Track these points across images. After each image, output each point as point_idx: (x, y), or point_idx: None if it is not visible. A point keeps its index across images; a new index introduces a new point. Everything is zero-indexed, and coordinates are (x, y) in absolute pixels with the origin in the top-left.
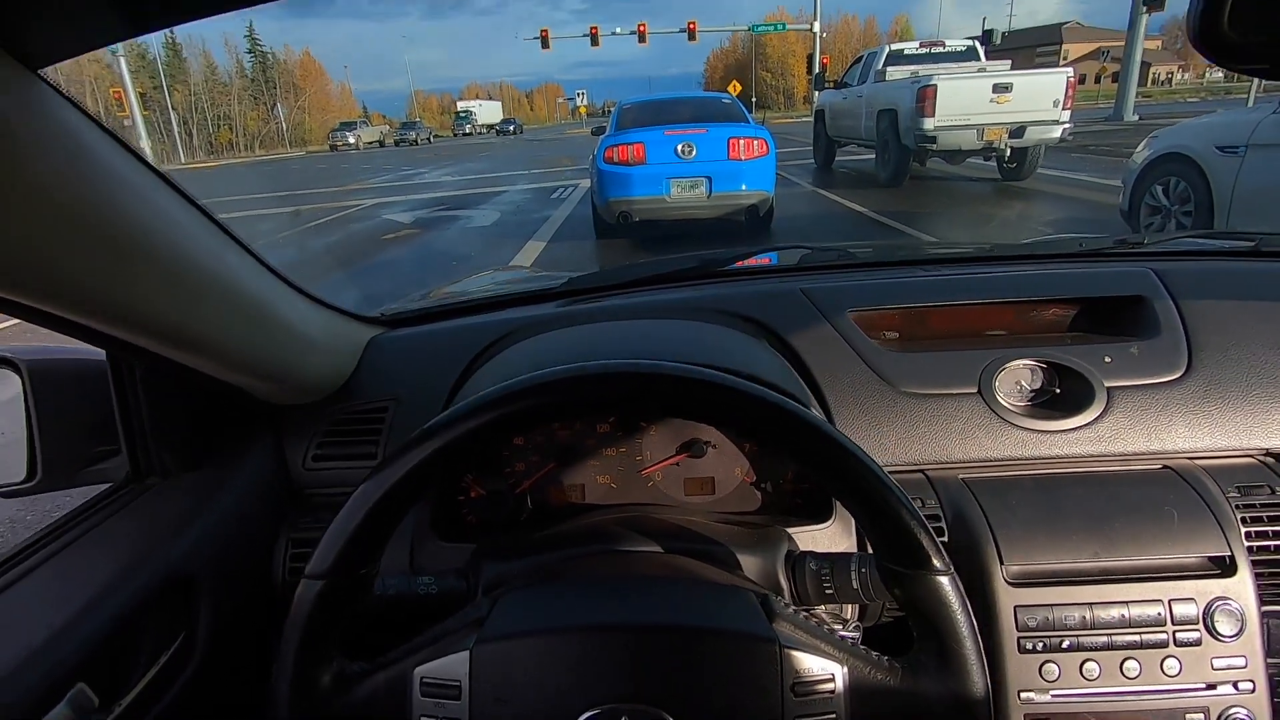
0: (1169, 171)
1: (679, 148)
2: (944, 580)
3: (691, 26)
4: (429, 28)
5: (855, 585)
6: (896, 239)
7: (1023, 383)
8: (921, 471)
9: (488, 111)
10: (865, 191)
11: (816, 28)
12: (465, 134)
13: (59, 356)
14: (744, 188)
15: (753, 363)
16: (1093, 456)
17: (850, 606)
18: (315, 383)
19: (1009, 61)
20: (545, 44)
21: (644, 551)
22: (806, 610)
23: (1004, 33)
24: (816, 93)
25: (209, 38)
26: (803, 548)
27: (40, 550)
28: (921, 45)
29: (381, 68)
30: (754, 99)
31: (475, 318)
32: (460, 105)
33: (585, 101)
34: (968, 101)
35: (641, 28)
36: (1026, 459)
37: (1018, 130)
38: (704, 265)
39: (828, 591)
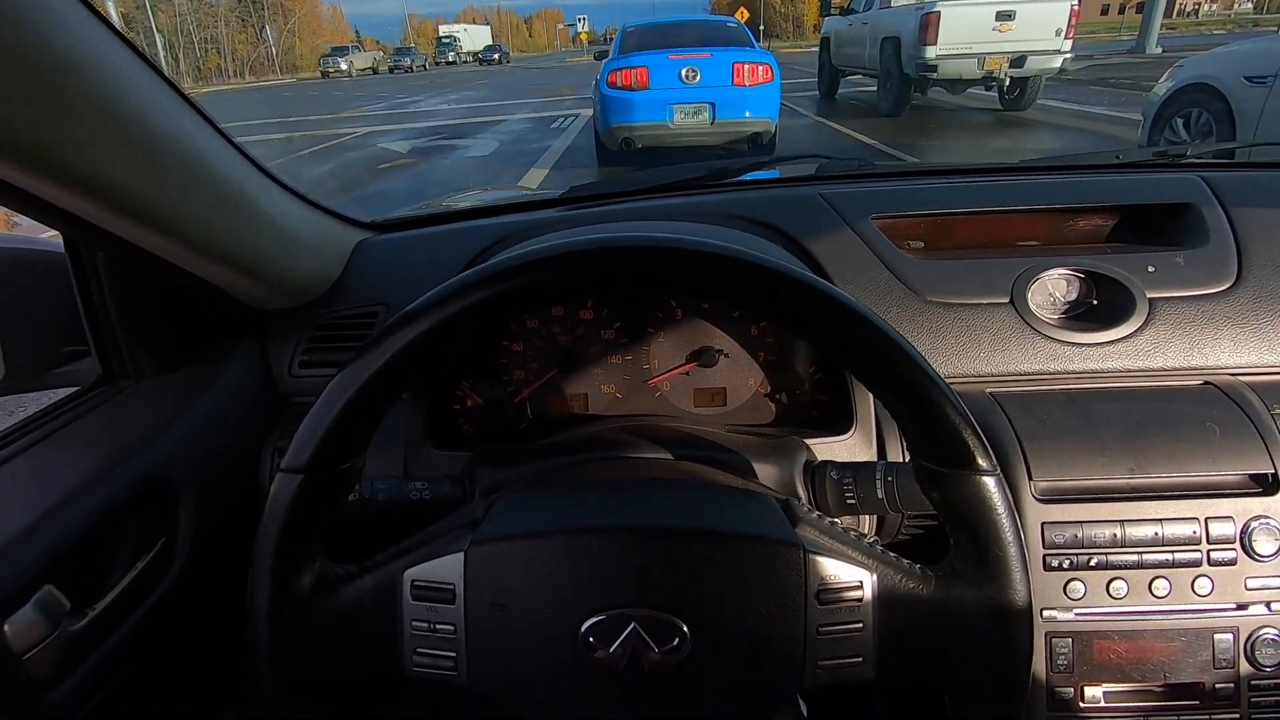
0: (1192, 103)
1: (683, 72)
2: (989, 481)
3: None
4: None
5: (880, 495)
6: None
7: (1057, 294)
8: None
9: (474, 37)
10: (867, 120)
11: None
12: (449, 62)
13: (16, 245)
14: (748, 115)
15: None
16: (1131, 371)
17: (867, 520)
18: (299, 284)
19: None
20: None
21: (653, 458)
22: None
23: None
24: (824, 19)
25: None
26: (821, 459)
27: (1, 450)
28: None
29: None
30: (762, 27)
31: (472, 222)
32: (443, 30)
33: (587, 28)
34: (970, 29)
35: None
36: (1060, 373)
37: (1018, 60)
38: (714, 173)
39: (849, 501)
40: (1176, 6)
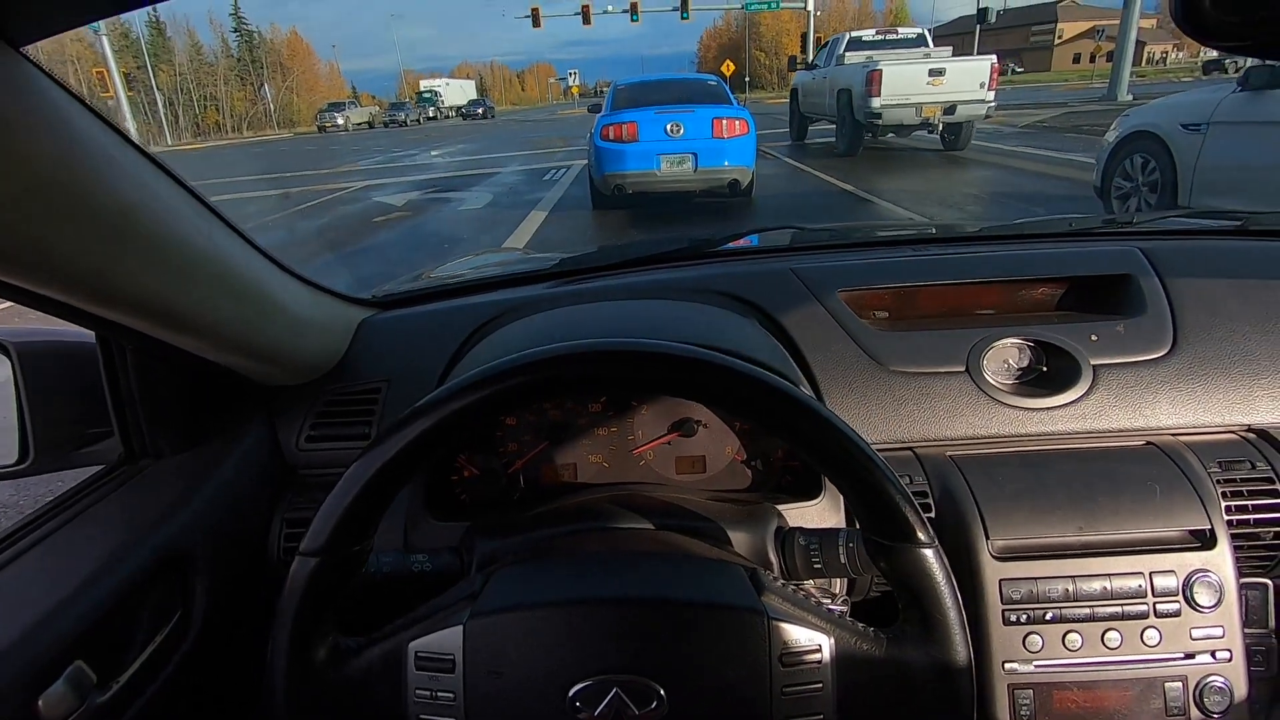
0: (1138, 149)
1: (668, 126)
2: (928, 553)
3: (685, 1)
4: (418, 5)
5: (843, 560)
6: (862, 209)
7: (1010, 361)
8: (910, 449)
9: (458, 91)
10: (828, 161)
11: (810, 5)
12: (429, 118)
13: (49, 338)
14: (726, 164)
15: (742, 341)
16: (1079, 433)
17: (839, 581)
18: (307, 363)
19: (950, 49)
20: (536, 22)
21: (635, 528)
22: (796, 585)
23: (999, 11)
24: (792, 74)
25: (193, 15)
26: (792, 524)
27: (34, 531)
28: (878, 33)
29: (369, 46)
30: (748, 79)
31: (467, 299)
32: (423, 85)
33: (578, 81)
34: (908, 83)
35: (634, 4)
36: (1014, 436)
37: (950, 108)
38: (696, 246)
39: (816, 566)
40: (1145, 54)
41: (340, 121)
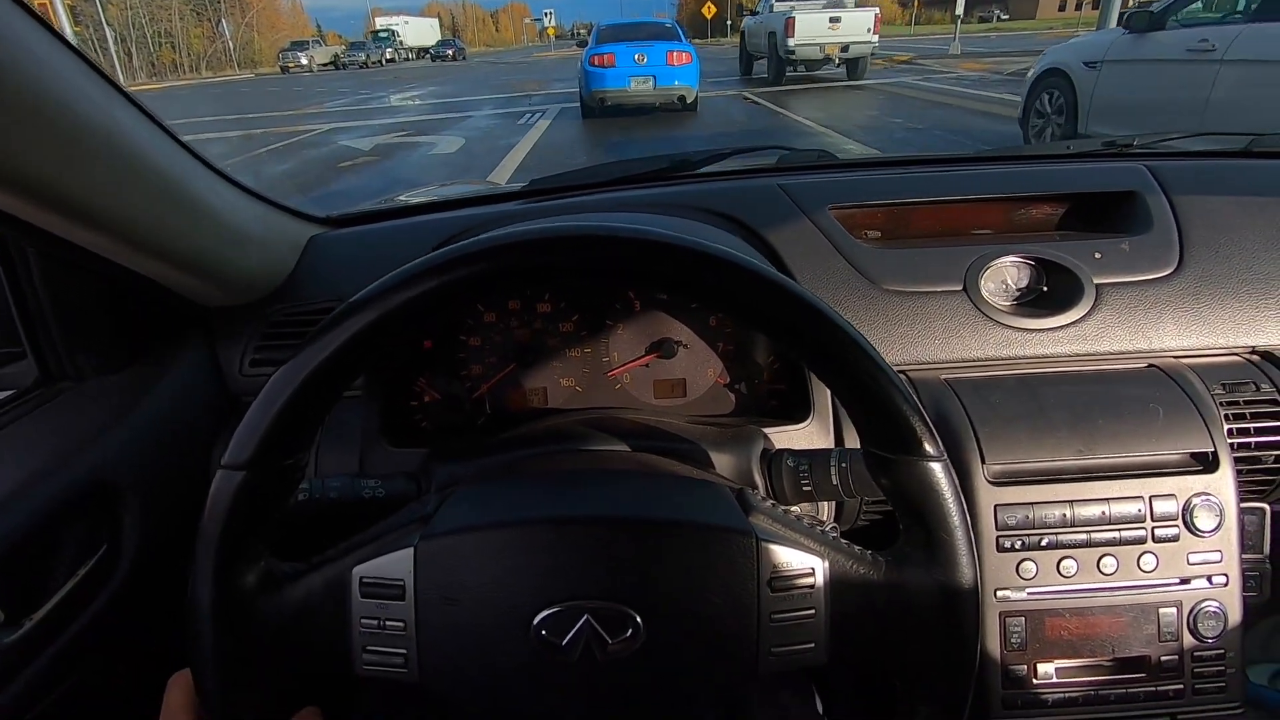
0: (1050, 84)
1: (635, 56)
2: (936, 466)
3: None
4: None
5: (835, 481)
6: (775, 119)
7: (1009, 280)
8: (903, 372)
9: (418, 31)
10: (763, 89)
11: None
12: (388, 60)
13: None
14: (676, 83)
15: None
16: (1079, 355)
17: (826, 507)
18: (248, 280)
19: (852, 2)
20: None
21: (609, 450)
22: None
23: None
24: (742, 18)
25: None
26: (779, 447)
27: None
28: None
29: None
30: (729, 21)
31: (430, 215)
32: (379, 22)
33: (554, 22)
34: (814, 28)
35: None
36: (1012, 358)
37: (845, 47)
38: (675, 165)
39: (805, 489)
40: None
41: (304, 61)
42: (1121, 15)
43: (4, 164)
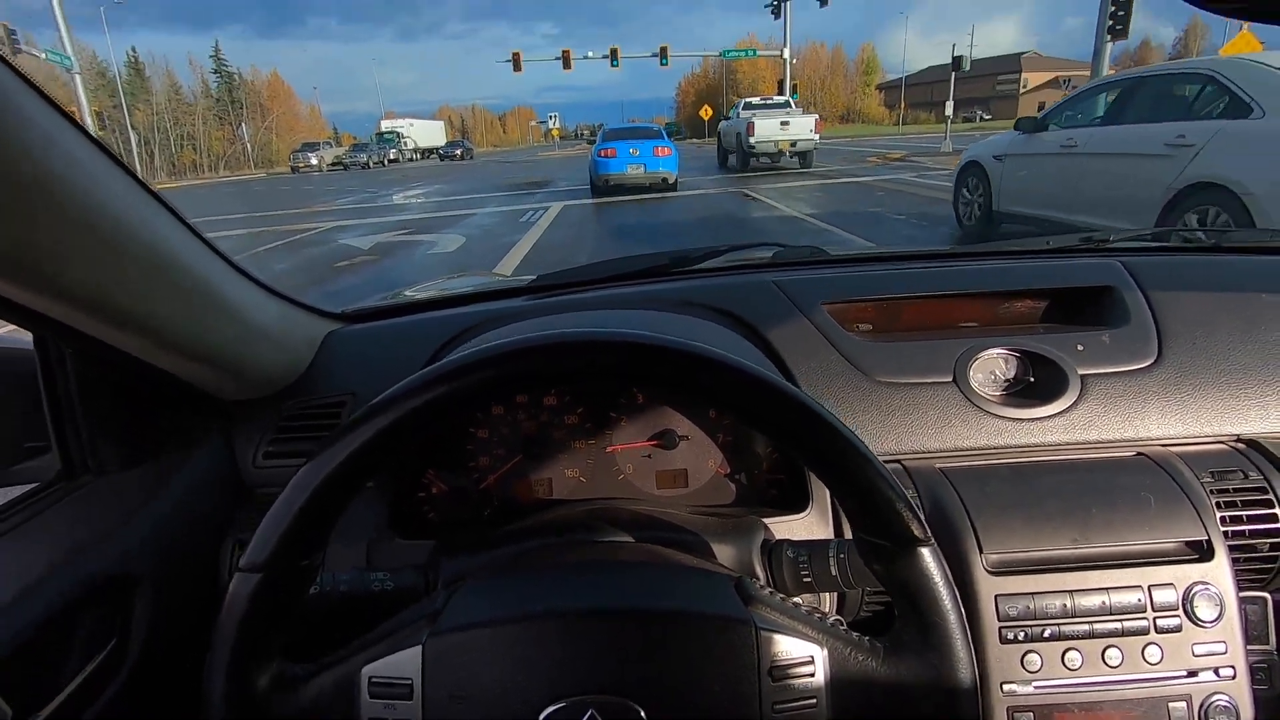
0: (971, 173)
1: (631, 150)
2: (925, 551)
3: (664, 49)
4: (400, 50)
5: (834, 572)
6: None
7: (997, 372)
8: (899, 461)
9: (425, 132)
10: (731, 176)
11: (787, 54)
12: (391, 160)
13: None
14: (661, 169)
15: (726, 347)
16: (1069, 444)
17: (829, 597)
18: (267, 376)
19: (800, 110)
20: (517, 66)
21: (612, 541)
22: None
23: (971, 60)
24: (724, 121)
25: (173, 57)
26: (779, 537)
27: None
28: (761, 99)
29: (352, 89)
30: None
31: (441, 312)
32: (384, 125)
33: (558, 124)
34: (769, 130)
35: (614, 50)
36: (1003, 447)
37: (794, 143)
38: (674, 261)
39: (805, 579)
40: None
41: (314, 161)
42: (1019, 121)
43: (55, 274)
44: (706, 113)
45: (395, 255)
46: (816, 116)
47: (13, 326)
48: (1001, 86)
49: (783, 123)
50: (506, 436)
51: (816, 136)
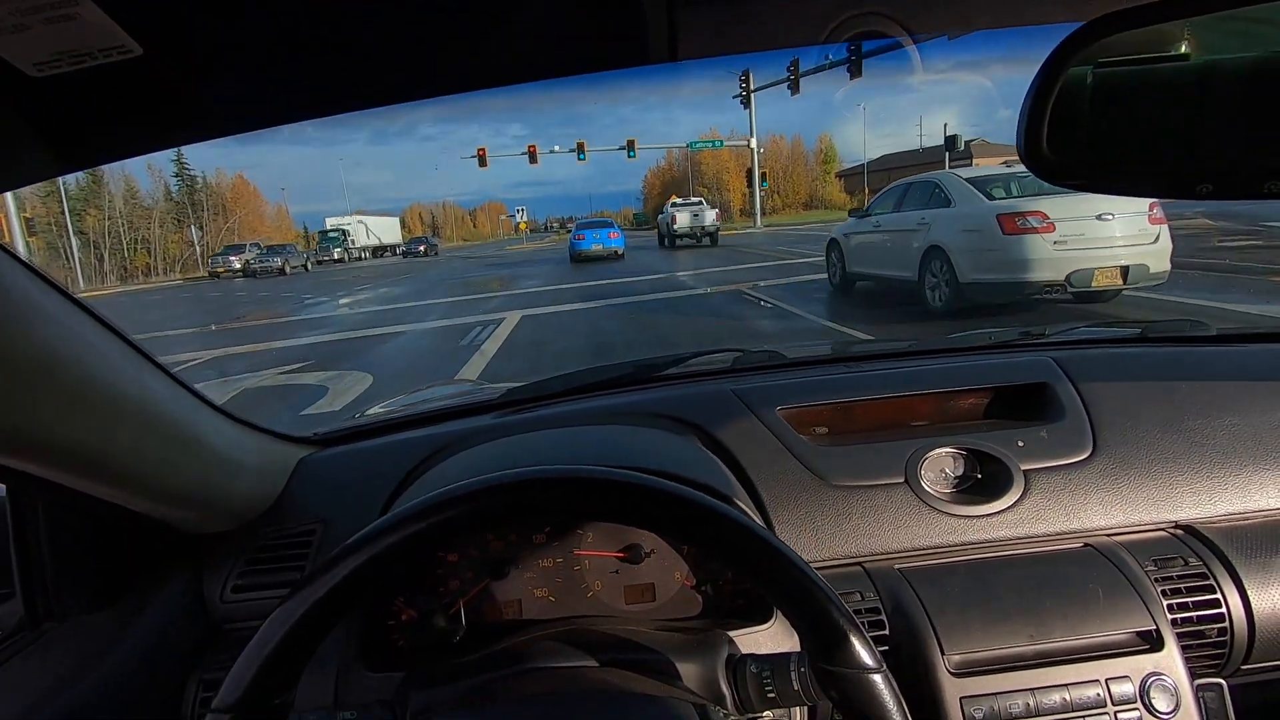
0: (833, 247)
1: (594, 234)
2: (876, 679)
3: (631, 142)
4: (373, 152)
5: (796, 686)
6: (665, 264)
7: (947, 470)
8: (859, 564)
9: (377, 229)
10: (663, 252)
11: (754, 143)
12: (334, 259)
13: None
14: (612, 245)
15: (684, 463)
16: (1019, 538)
17: (798, 711)
18: (240, 508)
19: (707, 205)
20: (483, 162)
21: (579, 666)
22: (751, 717)
23: (918, 150)
24: (660, 214)
25: (131, 163)
26: (745, 650)
27: None
28: (682, 199)
29: (322, 189)
30: None
31: (410, 433)
32: (329, 223)
33: (526, 218)
34: (685, 220)
35: (580, 144)
36: (958, 545)
37: (703, 228)
38: (638, 371)
39: (769, 695)
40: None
41: (237, 265)
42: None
43: (35, 435)
44: (690, 196)
45: (259, 412)
46: (717, 210)
47: None
48: (954, 166)
49: (694, 214)
50: (475, 559)
51: (718, 222)
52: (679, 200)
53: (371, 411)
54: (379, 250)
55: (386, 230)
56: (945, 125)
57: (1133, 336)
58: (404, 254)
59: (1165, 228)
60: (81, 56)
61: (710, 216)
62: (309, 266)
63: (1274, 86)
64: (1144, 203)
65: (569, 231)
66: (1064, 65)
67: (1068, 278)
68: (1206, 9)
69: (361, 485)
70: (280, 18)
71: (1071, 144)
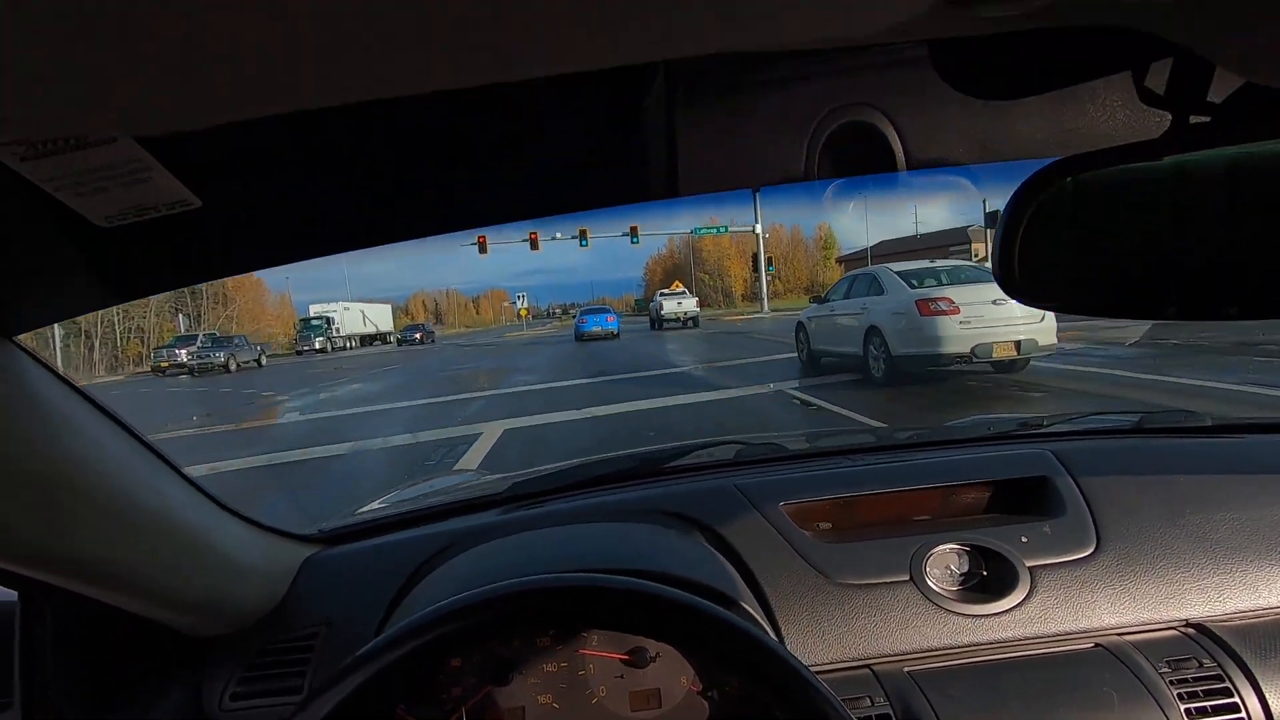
0: (799, 329)
1: (595, 318)
2: None
3: (633, 228)
4: (378, 248)
5: None
6: (656, 342)
7: (952, 567)
8: (868, 667)
9: (367, 316)
10: (654, 333)
11: (759, 229)
12: (314, 349)
13: None
14: (609, 328)
15: (689, 565)
16: (1028, 639)
17: None
18: (246, 611)
19: (690, 295)
20: (483, 249)
21: None
22: None
23: (920, 234)
24: (651, 302)
25: None
26: None
27: None
28: (669, 290)
29: (325, 279)
30: (695, 296)
31: (415, 530)
32: (313, 310)
33: (526, 304)
34: (672, 306)
35: (582, 230)
36: (967, 645)
37: (686, 314)
38: (641, 465)
39: None
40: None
41: (183, 359)
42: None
43: (51, 547)
44: (676, 286)
45: None
46: (697, 298)
47: None
48: (955, 253)
49: (678, 303)
50: (479, 663)
51: (699, 309)
52: (666, 292)
53: (374, 505)
54: (369, 339)
55: (378, 317)
56: (984, 202)
57: (1129, 427)
58: (399, 342)
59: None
60: (147, 210)
61: (691, 305)
62: (262, 361)
63: (1246, 188)
64: None
65: (571, 317)
66: (1030, 202)
67: (972, 350)
68: (1188, 149)
69: (366, 586)
70: (319, 176)
71: (1041, 271)
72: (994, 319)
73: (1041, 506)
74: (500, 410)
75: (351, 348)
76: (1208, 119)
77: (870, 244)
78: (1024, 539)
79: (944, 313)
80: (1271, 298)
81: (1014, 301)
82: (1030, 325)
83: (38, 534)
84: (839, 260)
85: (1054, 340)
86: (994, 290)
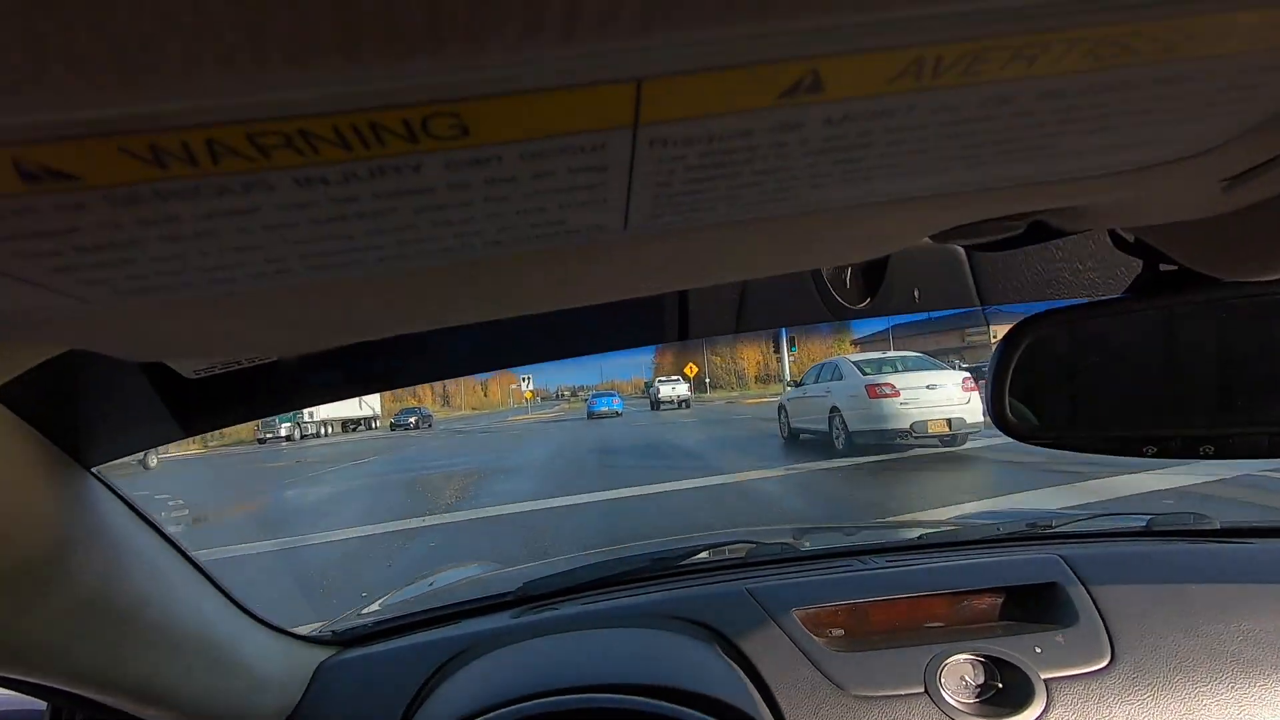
0: (781, 409)
1: (603, 400)
2: None
3: None
4: None
5: None
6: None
7: (967, 678)
8: None
9: (349, 402)
10: (655, 414)
11: None
12: (280, 436)
13: None
14: (614, 408)
15: (704, 680)
16: None
17: None
18: None
19: (684, 380)
20: None
21: None
22: None
23: (933, 317)
24: (650, 387)
25: None
26: None
27: None
28: (665, 377)
29: None
30: (707, 380)
31: (427, 634)
32: None
33: (531, 387)
34: (668, 390)
35: None
36: None
37: (678, 398)
38: (654, 565)
39: None
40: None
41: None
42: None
43: (96, 669)
44: (691, 370)
45: None
46: (690, 382)
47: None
48: (971, 337)
49: (674, 388)
50: None
51: (690, 394)
52: (663, 379)
53: (386, 603)
54: (353, 423)
55: (365, 400)
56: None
57: (1138, 529)
58: (391, 427)
59: (976, 393)
60: (231, 364)
61: (683, 390)
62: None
63: (1217, 334)
64: (961, 375)
65: (580, 399)
66: (1017, 347)
67: (911, 426)
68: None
69: (378, 695)
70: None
71: (1031, 411)
72: (929, 401)
73: (1054, 614)
74: (460, 550)
75: (327, 434)
76: (1175, 267)
77: (887, 326)
78: (1038, 649)
79: (887, 395)
80: (1245, 440)
81: (949, 386)
82: (960, 406)
83: (96, 659)
84: (854, 342)
85: (980, 419)
86: (931, 376)
